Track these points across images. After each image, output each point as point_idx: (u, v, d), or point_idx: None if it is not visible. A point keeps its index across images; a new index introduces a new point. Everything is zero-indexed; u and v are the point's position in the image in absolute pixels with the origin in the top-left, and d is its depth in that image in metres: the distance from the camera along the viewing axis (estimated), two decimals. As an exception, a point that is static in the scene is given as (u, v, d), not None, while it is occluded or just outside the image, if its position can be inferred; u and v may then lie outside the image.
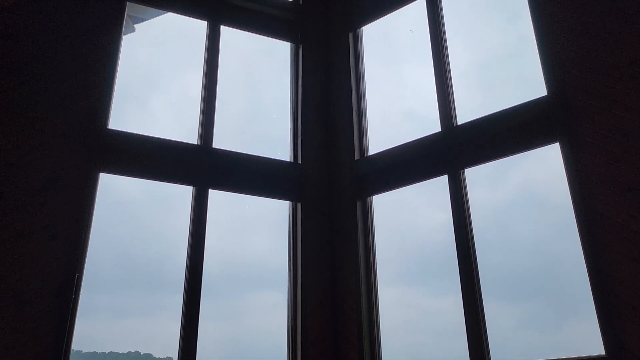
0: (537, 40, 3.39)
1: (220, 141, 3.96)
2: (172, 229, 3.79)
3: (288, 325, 3.80)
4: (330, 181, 4.21)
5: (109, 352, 3.41)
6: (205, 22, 4.26)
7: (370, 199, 4.03)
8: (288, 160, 4.22)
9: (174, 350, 3.43)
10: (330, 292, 3.89)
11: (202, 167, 3.82)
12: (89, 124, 3.51)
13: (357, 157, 4.15)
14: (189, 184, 3.75)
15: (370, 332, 3.68)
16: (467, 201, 3.46)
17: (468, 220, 3.41)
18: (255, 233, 4.14)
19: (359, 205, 4.00)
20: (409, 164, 3.83)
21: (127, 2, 3.96)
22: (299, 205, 4.04)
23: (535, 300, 3.30)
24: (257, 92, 4.58)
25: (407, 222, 4.05)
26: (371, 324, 3.70)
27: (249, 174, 3.97)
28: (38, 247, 3.10)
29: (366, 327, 3.67)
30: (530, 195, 3.51)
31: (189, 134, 3.96)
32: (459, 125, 3.66)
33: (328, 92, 4.49)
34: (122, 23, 3.86)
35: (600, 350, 2.72)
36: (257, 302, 3.95)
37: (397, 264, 3.95)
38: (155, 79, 4.22)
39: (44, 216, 3.18)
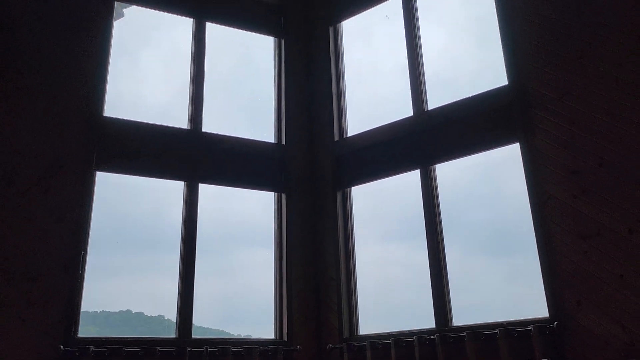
0: (500, 33, 3.67)
1: (209, 126, 4.25)
2: (165, 189, 4.01)
3: (275, 293, 4.18)
4: (312, 161, 4.54)
5: (100, 311, 3.60)
6: (191, 20, 4.48)
7: (349, 189, 4.38)
8: (273, 141, 4.54)
9: (164, 308, 3.70)
10: (313, 265, 4.27)
11: (192, 154, 4.09)
12: (85, 112, 3.77)
13: (336, 138, 4.47)
14: (180, 179, 4.01)
15: (349, 299, 4.09)
16: (437, 194, 3.83)
17: (437, 209, 3.80)
18: (246, 194, 4.38)
19: (338, 195, 4.35)
20: (384, 145, 4.15)
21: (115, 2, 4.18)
22: (284, 196, 4.37)
23: (521, 255, 3.51)
24: (242, 80, 4.83)
25: (384, 184, 4.29)
26: (349, 291, 4.10)
27: (236, 158, 4.25)
28: (45, 229, 3.42)
29: (345, 294, 4.07)
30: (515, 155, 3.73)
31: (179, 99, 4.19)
32: (430, 110, 3.97)
33: (309, 79, 4.78)
34: (112, 16, 4.08)
35: (545, 313, 3.13)
36: (248, 260, 4.25)
37: (375, 225, 4.29)
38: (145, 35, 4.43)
39: (50, 201, 3.48)
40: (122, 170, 3.84)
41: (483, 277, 3.69)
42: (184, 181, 4.05)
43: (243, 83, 4.82)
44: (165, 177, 3.99)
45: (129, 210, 3.95)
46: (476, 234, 3.77)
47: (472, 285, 3.71)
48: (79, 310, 3.42)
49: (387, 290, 4.11)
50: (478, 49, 4.05)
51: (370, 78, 4.68)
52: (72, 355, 3.20)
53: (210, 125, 4.25)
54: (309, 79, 4.78)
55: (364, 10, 4.62)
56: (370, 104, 4.60)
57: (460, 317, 3.56)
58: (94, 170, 3.72)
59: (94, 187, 3.69)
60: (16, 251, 3.32)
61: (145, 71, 4.43)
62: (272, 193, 4.42)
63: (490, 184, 3.80)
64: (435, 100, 4.01)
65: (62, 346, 3.19)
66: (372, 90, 4.63)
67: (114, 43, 4.08)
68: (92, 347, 3.23)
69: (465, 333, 3.24)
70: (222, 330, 4.06)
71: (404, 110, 4.09)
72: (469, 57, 4.09)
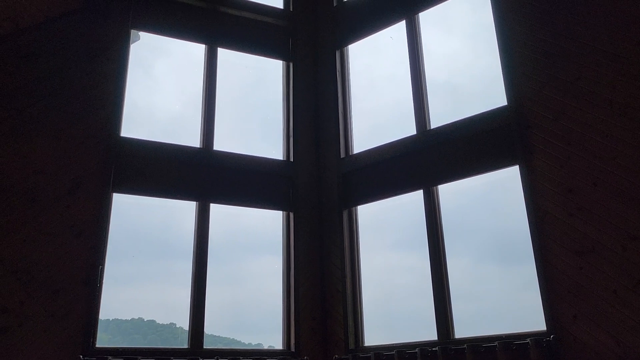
0: (499, 55, 3.82)
1: (220, 144, 4.43)
2: (177, 203, 4.15)
3: (283, 305, 4.34)
4: (319, 178, 4.70)
5: (113, 319, 3.73)
6: (204, 46, 4.69)
7: (355, 208, 4.53)
8: (281, 159, 4.71)
9: (176, 316, 3.85)
10: (319, 278, 4.43)
11: (204, 173, 4.28)
12: (104, 133, 3.98)
13: (342, 155, 4.63)
14: (193, 199, 4.19)
15: (354, 311, 4.23)
16: (439, 214, 3.98)
17: (440, 228, 3.95)
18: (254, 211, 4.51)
19: (345, 213, 4.50)
20: (388, 163, 4.31)
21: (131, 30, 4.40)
22: (292, 214, 4.54)
23: (522, 268, 3.57)
24: (253, 101, 5.02)
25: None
26: (355, 304, 4.24)
27: (246, 176, 4.44)
28: (66, 244, 3.61)
29: (350, 306, 4.22)
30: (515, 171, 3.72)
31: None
32: (432, 129, 4.12)
33: (316, 99, 4.96)
34: (129, 41, 4.29)
35: (543, 326, 3.25)
36: (256, 269, 4.43)
37: (380, 237, 4.43)
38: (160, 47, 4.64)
39: (70, 217, 3.68)
40: (138, 192, 4.03)
41: (485, 290, 3.81)
42: (196, 201, 4.23)
43: (253, 102, 5.00)
44: (178, 198, 4.17)
45: (141, 221, 4.12)
46: (479, 247, 3.89)
47: (475, 297, 3.83)
48: (97, 321, 3.59)
49: (392, 302, 4.24)
50: (481, 66, 4.19)
51: (375, 96, 4.85)
52: (91, 365, 3.38)
53: (221, 143, 4.43)
54: (316, 99, 4.96)
55: (369, 35, 4.80)
56: (375, 121, 4.77)
57: (463, 327, 3.68)
58: (112, 192, 3.91)
59: (111, 206, 3.88)
60: (38, 265, 3.50)
61: (159, 83, 4.64)
62: (281, 212, 4.59)
63: (493, 196, 3.93)
64: (438, 117, 4.16)
65: (81, 356, 3.37)
66: (377, 107, 4.80)
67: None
68: (110, 357, 3.40)
69: (465, 345, 3.36)
70: (232, 339, 4.21)
71: (408, 127, 4.24)
72: (472, 74, 4.23)
